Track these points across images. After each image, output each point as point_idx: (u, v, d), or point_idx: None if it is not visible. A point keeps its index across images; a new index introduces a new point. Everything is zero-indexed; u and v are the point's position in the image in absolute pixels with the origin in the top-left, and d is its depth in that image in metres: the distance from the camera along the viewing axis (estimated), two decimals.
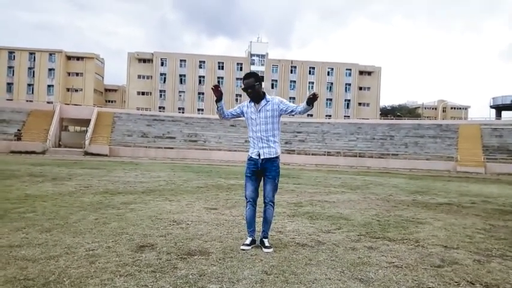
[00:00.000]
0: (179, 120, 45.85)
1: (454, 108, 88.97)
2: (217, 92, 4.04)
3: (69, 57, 69.38)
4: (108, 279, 2.93)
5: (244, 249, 3.93)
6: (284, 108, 4.10)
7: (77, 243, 3.95)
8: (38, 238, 4.09)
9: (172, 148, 39.12)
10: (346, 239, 4.69)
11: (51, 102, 51.36)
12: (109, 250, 3.73)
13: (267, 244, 4.03)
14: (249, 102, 4.20)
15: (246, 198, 4.21)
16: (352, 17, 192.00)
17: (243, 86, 4.17)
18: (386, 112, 76.78)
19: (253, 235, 4.16)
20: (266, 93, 4.19)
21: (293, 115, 4.31)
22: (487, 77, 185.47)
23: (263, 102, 4.11)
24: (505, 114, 61.47)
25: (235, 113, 4.31)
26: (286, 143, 40.97)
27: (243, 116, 4.26)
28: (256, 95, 4.11)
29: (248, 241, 4.10)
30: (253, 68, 66.23)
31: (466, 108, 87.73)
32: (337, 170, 28.18)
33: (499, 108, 61.24)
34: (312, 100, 3.86)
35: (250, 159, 4.18)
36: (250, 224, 4.18)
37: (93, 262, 3.33)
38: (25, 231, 4.39)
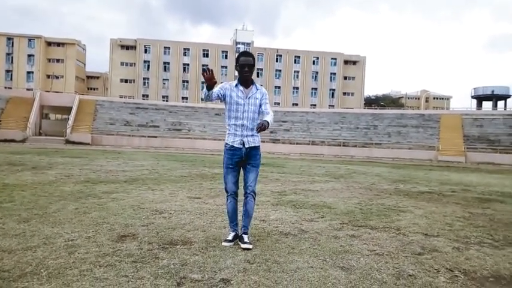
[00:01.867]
0: (163, 109, 45.33)
1: (437, 98, 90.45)
2: (210, 80, 3.49)
3: (49, 43, 67.52)
4: (87, 270, 2.87)
5: (226, 246, 3.67)
6: (261, 104, 3.81)
7: (55, 233, 3.87)
8: (15, 228, 3.98)
9: (156, 137, 38.72)
10: (328, 227, 4.72)
11: (31, 89, 50.11)
12: (89, 240, 3.66)
13: (246, 240, 3.71)
14: (235, 85, 3.79)
15: (227, 192, 3.89)
16: (338, 5, 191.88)
17: (238, 63, 3.77)
18: (370, 102, 77.46)
19: (237, 229, 3.88)
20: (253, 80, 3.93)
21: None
22: (470, 67, 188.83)
23: (253, 88, 3.81)
24: (485, 104, 62.93)
25: (218, 96, 3.75)
26: (271, 132, 40.98)
27: (224, 99, 3.79)
28: (250, 78, 3.80)
29: (231, 236, 3.81)
30: None
31: (448, 98, 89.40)
32: (321, 159, 28.39)
33: (480, 99, 62.57)
34: (259, 129, 3.55)
35: (231, 148, 3.80)
36: (233, 217, 3.90)
37: (72, 253, 3.26)
38: (1, 221, 4.27)
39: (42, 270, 2.83)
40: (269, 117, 3.67)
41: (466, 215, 6.04)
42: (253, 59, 3.83)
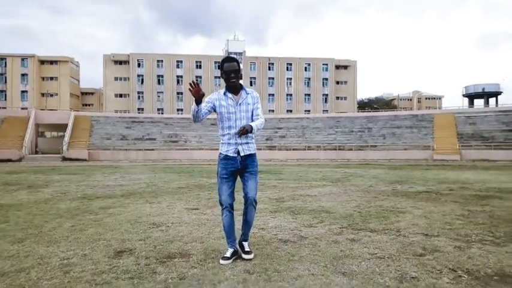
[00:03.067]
0: (159, 121, 45.30)
1: (429, 98, 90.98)
2: (198, 92, 3.34)
3: (42, 62, 67.46)
4: None
5: (224, 264, 3.40)
6: (254, 109, 3.66)
7: (50, 252, 3.79)
8: (8, 250, 3.90)
9: (152, 150, 38.63)
10: (328, 232, 4.67)
11: (26, 108, 49.90)
12: (85, 258, 3.59)
13: (247, 249, 3.63)
14: (224, 93, 3.62)
15: (222, 205, 3.67)
16: (327, 11, 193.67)
17: (223, 71, 3.55)
18: (363, 105, 77.80)
19: (235, 245, 3.63)
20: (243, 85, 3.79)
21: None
22: (460, 66, 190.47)
23: (243, 94, 3.63)
24: (477, 102, 63.35)
25: (208, 111, 3.62)
26: (267, 139, 41.03)
27: (214, 110, 3.65)
28: (237, 83, 3.59)
29: (229, 253, 3.55)
30: None
31: (439, 98, 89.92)
32: (318, 163, 28.37)
33: (471, 97, 62.98)
34: (240, 133, 3.48)
35: (226, 158, 3.64)
36: (230, 233, 3.65)
37: (67, 272, 3.19)
38: None
39: None
40: (255, 122, 3.57)
41: (465, 213, 6.01)
42: (238, 63, 3.61)
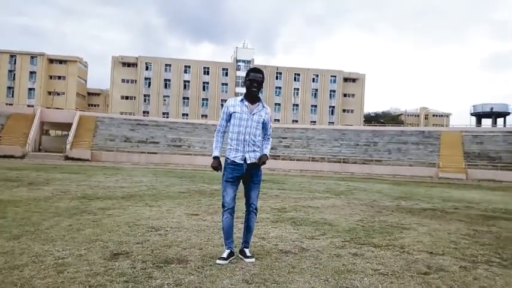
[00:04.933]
0: (163, 125, 45.30)
1: (436, 115, 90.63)
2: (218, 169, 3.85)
3: (51, 61, 68.06)
4: None
5: (221, 264, 3.54)
6: (265, 123, 3.87)
7: (46, 251, 3.71)
8: (3, 246, 3.82)
9: (155, 153, 38.56)
10: (330, 245, 4.56)
11: (32, 106, 50.17)
12: (80, 258, 3.51)
13: (248, 254, 3.77)
14: (240, 100, 3.80)
15: (224, 206, 3.78)
16: (337, 24, 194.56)
17: (248, 78, 3.76)
18: (370, 119, 77.60)
19: (232, 246, 3.78)
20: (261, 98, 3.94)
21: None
22: (468, 85, 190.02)
23: (259, 106, 3.81)
24: (484, 121, 62.94)
25: (227, 122, 3.88)
26: (271, 148, 40.85)
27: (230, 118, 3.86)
28: (257, 94, 3.81)
29: (226, 254, 3.68)
30: (239, 74, 66.19)
31: (447, 115, 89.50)
32: (322, 175, 28.20)
33: (479, 116, 62.61)
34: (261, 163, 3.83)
35: (233, 163, 3.78)
36: (228, 234, 3.78)
37: (61, 272, 3.10)
38: None
39: None
40: (267, 148, 3.93)
41: (471, 232, 5.87)
42: (263, 76, 3.83)
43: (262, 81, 3.81)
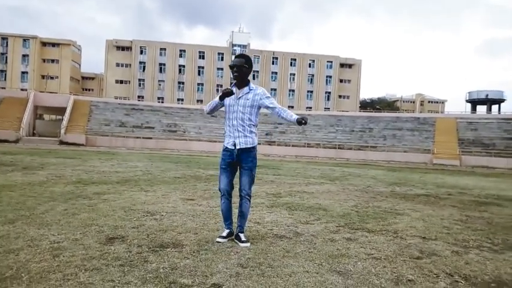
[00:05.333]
0: (158, 110, 45.09)
1: (431, 101, 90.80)
2: (229, 95, 3.75)
3: (44, 43, 66.99)
4: (71, 274, 2.73)
5: (220, 242, 3.74)
6: (267, 104, 3.81)
7: (41, 235, 3.72)
8: None
9: (151, 138, 38.49)
10: (324, 230, 4.60)
11: (25, 90, 49.61)
12: (76, 243, 3.52)
13: (243, 239, 3.80)
14: (232, 86, 3.87)
15: (221, 192, 3.97)
16: (334, 9, 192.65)
17: (231, 63, 3.83)
18: (365, 105, 77.62)
19: (231, 227, 3.94)
20: (250, 82, 3.90)
21: (273, 115, 3.93)
22: (463, 71, 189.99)
23: (245, 89, 3.82)
24: (479, 108, 63.14)
25: (222, 105, 3.93)
26: (266, 134, 40.92)
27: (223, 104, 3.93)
28: (240, 78, 3.80)
29: (225, 233, 3.88)
30: None
31: (442, 102, 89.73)
32: (317, 161, 28.32)
33: (474, 103, 62.76)
34: (301, 123, 3.65)
35: (225, 149, 3.91)
36: (227, 217, 3.97)
37: (57, 256, 3.11)
38: None
39: (23, 275, 2.68)
40: (290, 113, 3.78)
41: (464, 218, 5.95)
42: (246, 60, 3.84)
43: (244, 65, 3.78)
